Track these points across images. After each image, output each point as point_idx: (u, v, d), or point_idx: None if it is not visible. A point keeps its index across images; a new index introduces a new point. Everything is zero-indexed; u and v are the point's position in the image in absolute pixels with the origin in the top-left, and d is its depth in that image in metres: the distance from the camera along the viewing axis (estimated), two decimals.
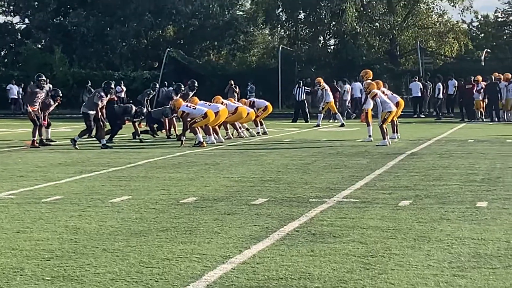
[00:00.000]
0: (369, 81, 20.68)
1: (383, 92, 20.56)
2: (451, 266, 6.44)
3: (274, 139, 21.73)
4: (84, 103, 20.09)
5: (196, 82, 24.09)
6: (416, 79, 39.15)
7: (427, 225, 8.27)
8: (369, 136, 20.47)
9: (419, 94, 38.21)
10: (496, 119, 31.63)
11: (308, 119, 32.84)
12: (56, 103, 21.64)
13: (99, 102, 19.40)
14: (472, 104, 33.00)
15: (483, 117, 32.68)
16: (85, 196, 10.58)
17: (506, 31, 68.21)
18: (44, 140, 20.51)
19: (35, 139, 19.71)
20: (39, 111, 20.24)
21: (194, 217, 8.87)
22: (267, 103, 24.72)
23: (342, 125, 28.50)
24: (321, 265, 6.51)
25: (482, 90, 32.45)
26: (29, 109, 19.98)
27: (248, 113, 22.37)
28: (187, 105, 20.34)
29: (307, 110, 33.73)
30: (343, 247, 7.19)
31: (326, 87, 30.60)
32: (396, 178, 12.32)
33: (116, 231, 8.12)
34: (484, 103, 32.66)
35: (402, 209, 9.26)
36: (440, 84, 36.35)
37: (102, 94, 19.51)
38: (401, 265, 6.48)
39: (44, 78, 20.45)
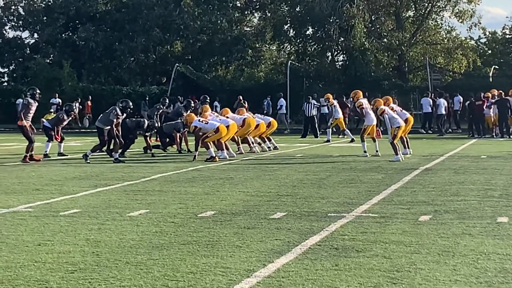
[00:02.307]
0: (377, 98, 20.84)
1: (392, 109, 20.60)
2: (479, 281, 6.38)
3: (286, 154, 21.68)
4: (99, 118, 19.98)
5: (208, 98, 24.07)
6: (429, 96, 39.09)
7: (450, 240, 8.21)
8: (364, 151, 20.67)
9: (430, 110, 38.17)
10: (507, 136, 31.51)
11: (318, 135, 32.81)
12: (70, 118, 21.68)
13: (115, 120, 19.36)
14: (483, 120, 32.93)
15: (494, 134, 32.56)
16: (102, 210, 10.55)
17: None
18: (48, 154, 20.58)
19: (28, 155, 19.40)
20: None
21: (214, 231, 8.83)
22: (271, 119, 24.42)
23: (352, 141, 28.44)
24: (347, 279, 6.47)
25: (492, 106, 32.36)
26: (24, 123, 19.26)
27: (257, 125, 22.37)
28: (199, 120, 20.33)
29: (316, 126, 33.69)
30: (367, 262, 7.14)
31: (335, 103, 30.63)
32: (413, 193, 12.27)
33: (137, 244, 8.08)
34: (494, 119, 32.57)
35: (423, 224, 9.21)
36: (443, 100, 36.21)
37: (119, 112, 19.45)
38: (428, 280, 6.43)
39: (38, 90, 19.95)
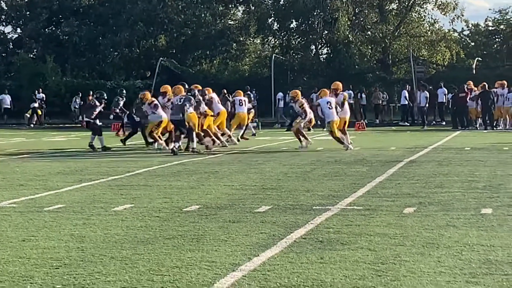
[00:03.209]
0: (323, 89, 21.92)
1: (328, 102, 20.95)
2: (463, 273, 6.41)
3: (271, 147, 21.68)
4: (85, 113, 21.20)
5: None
6: (406, 88, 39.60)
7: (434, 232, 8.25)
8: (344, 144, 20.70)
9: (405, 102, 38.77)
10: (490, 127, 31.64)
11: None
12: (102, 105, 21.94)
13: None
14: (466, 112, 33.05)
15: (477, 126, 32.69)
16: (87, 205, 10.52)
17: (497, 40, 68.44)
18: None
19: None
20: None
21: (199, 225, 8.84)
22: (222, 109, 22.89)
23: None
24: (332, 272, 6.48)
25: (475, 98, 32.48)
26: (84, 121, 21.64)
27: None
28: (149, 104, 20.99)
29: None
30: (352, 254, 7.16)
31: (304, 102, 30.56)
32: (398, 185, 12.31)
33: (122, 239, 8.07)
34: (477, 111, 32.69)
35: (407, 216, 9.24)
36: (425, 92, 36.35)
37: (96, 102, 21.13)
38: (413, 272, 6.45)
39: (105, 96, 22.08)
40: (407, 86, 40.52)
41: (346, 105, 21.31)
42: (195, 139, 20.11)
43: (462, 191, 11.48)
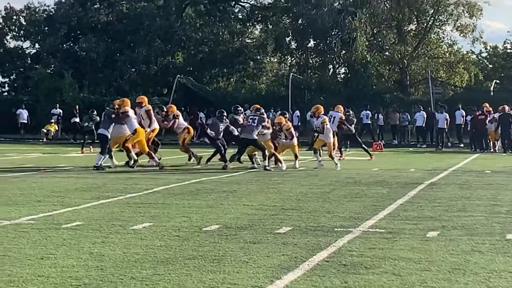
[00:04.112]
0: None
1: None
2: None
3: (288, 167, 21.47)
4: (101, 125, 20.78)
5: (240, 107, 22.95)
6: (421, 109, 39.53)
7: (459, 257, 8.08)
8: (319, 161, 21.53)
9: (421, 124, 38.65)
10: (509, 151, 31.35)
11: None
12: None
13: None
14: (485, 134, 32.78)
15: (496, 149, 32.38)
16: (105, 223, 10.41)
17: None
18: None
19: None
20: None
21: (220, 246, 8.70)
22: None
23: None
24: None
25: (494, 121, 32.22)
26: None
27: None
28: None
29: None
30: (377, 279, 7.01)
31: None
32: (419, 208, 12.14)
33: (142, 258, 7.95)
34: (497, 134, 32.39)
35: (431, 240, 9.07)
36: (444, 114, 36.16)
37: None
38: None
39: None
40: (422, 107, 40.42)
41: (328, 129, 21.22)
42: (268, 158, 20.99)
43: (485, 215, 11.30)
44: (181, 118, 22.87)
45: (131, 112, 21.01)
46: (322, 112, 22.06)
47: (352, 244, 8.82)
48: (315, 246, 8.70)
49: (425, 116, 38.71)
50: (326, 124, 21.48)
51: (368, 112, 42.01)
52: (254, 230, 9.81)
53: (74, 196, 13.72)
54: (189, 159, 22.64)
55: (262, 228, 10.02)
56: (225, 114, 21.91)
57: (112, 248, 8.54)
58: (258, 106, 22.49)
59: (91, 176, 18.28)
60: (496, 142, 32.70)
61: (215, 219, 10.84)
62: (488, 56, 71.14)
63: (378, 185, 16.07)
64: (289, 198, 13.68)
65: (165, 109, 22.82)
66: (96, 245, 8.70)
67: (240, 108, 22.60)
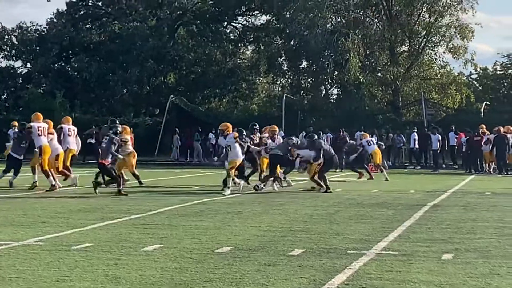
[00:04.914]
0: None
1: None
2: None
3: (289, 188, 21.34)
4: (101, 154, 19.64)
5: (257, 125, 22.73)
6: (414, 130, 39.55)
7: (479, 280, 8.01)
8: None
9: (413, 145, 38.59)
10: (505, 172, 31.34)
11: None
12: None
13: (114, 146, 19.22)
14: (481, 156, 32.78)
15: (491, 170, 32.36)
16: (115, 244, 10.28)
17: (505, 84, 68.54)
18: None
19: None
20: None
21: (235, 268, 8.60)
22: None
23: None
24: None
25: (489, 142, 32.20)
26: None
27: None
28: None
29: None
30: None
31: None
32: (428, 230, 12.07)
33: (159, 281, 7.84)
34: (492, 155, 32.36)
35: (447, 263, 9.00)
36: (437, 135, 36.20)
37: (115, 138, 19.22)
38: None
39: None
40: (417, 128, 40.40)
41: (235, 147, 20.06)
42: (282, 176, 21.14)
43: (496, 237, 11.24)
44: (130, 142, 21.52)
45: (34, 129, 20.99)
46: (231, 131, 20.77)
47: (369, 267, 8.73)
48: (331, 268, 8.61)
49: (416, 137, 38.64)
50: (236, 142, 20.03)
51: (362, 133, 41.89)
52: (267, 252, 9.71)
53: (78, 217, 13.58)
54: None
55: (275, 250, 9.92)
56: (245, 133, 21.09)
57: (126, 270, 8.42)
58: (275, 127, 22.47)
59: (91, 196, 18.13)
60: (490, 164, 32.69)
61: (225, 240, 10.74)
62: (478, 78, 71.36)
63: (382, 207, 15.98)
64: (296, 219, 13.58)
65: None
66: (110, 267, 8.58)
67: (256, 126, 22.40)
